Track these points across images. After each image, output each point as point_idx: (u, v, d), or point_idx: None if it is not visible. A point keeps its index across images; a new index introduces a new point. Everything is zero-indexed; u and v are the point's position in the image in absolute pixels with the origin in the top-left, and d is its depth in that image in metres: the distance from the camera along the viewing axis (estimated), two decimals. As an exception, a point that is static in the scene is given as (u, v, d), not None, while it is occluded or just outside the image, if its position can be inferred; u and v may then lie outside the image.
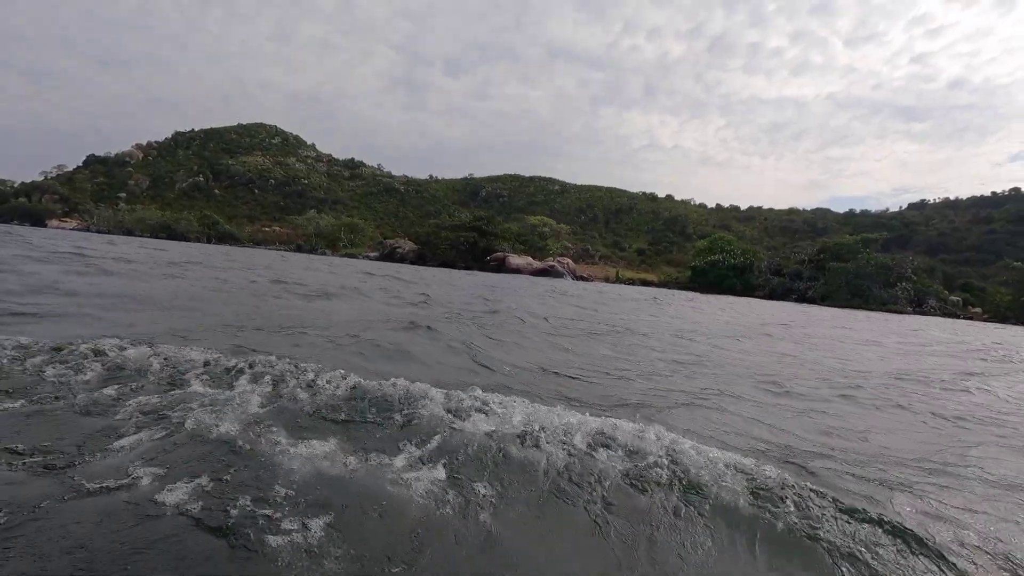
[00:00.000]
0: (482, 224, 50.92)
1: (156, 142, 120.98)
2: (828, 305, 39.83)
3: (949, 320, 34.83)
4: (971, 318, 40.41)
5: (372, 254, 51.79)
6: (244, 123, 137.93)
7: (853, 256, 47.03)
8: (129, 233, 68.13)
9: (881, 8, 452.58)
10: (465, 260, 47.11)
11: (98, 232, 66.80)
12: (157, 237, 67.04)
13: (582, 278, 45.96)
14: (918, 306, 41.42)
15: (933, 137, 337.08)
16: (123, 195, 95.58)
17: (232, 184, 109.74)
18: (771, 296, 46.77)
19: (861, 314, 31.27)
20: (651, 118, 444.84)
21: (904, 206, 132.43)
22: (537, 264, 46.15)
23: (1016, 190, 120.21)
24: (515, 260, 45.90)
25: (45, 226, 72.19)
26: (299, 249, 65.02)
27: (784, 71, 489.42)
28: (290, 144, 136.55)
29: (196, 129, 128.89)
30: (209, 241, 69.54)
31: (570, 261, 48.41)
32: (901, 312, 37.68)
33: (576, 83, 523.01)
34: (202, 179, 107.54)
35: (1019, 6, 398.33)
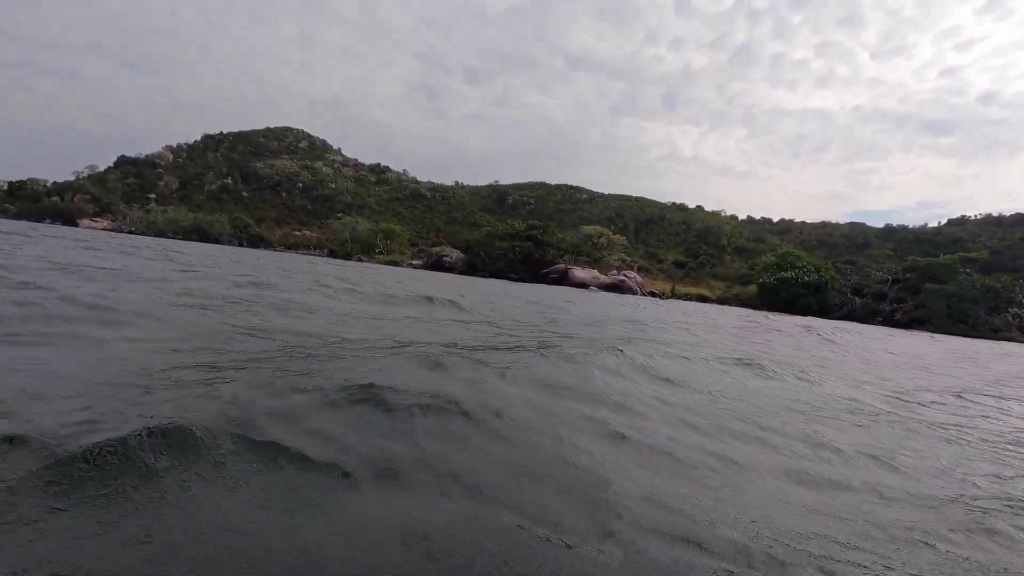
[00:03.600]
0: (537, 233, 48.23)
1: (186, 144, 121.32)
2: (927, 330, 36.68)
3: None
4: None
5: (416, 262, 49.96)
6: (272, 127, 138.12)
7: (951, 277, 43.69)
8: (161, 234, 67.36)
9: (910, 21, 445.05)
10: (517, 271, 44.78)
11: (130, 233, 66.16)
12: (189, 239, 66.22)
13: (653, 294, 43.25)
14: None
15: (961, 152, 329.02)
16: (153, 196, 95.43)
17: (260, 187, 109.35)
18: (849, 318, 43.29)
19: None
20: (671, 128, 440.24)
21: (943, 221, 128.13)
22: (605, 279, 43.13)
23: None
24: (579, 273, 42.99)
25: (77, 225, 71.86)
26: (332, 254, 63.64)
27: (808, 83, 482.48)
28: (316, 148, 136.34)
29: (225, 132, 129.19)
30: (241, 244, 68.54)
31: (636, 275, 45.68)
32: (1017, 341, 34.31)
33: (596, 93, 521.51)
34: (231, 181, 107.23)
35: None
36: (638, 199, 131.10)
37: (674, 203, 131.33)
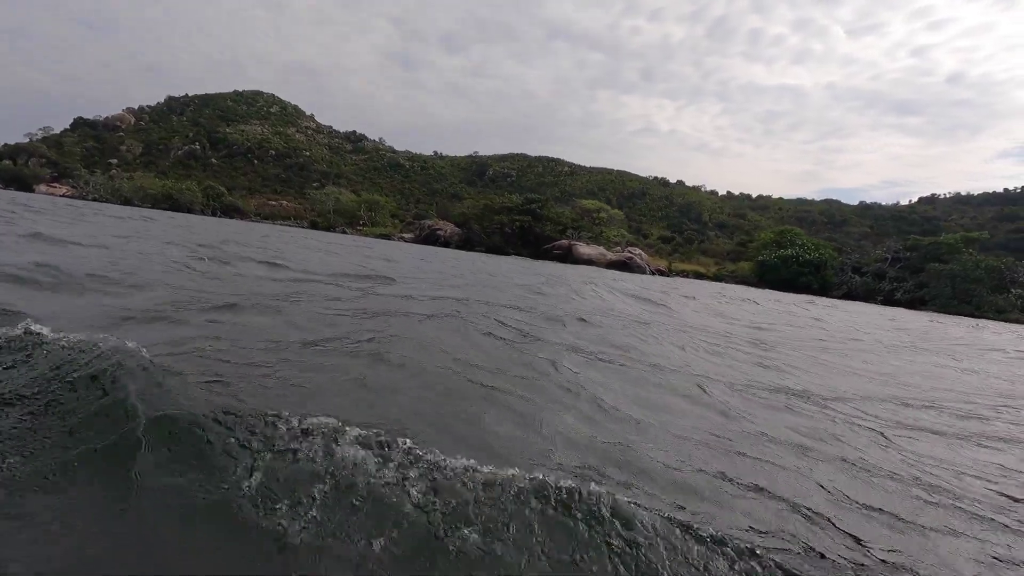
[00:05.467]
0: (536, 207, 46.65)
1: (148, 107, 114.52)
2: (931, 310, 36.91)
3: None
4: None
5: (407, 235, 47.94)
6: (241, 90, 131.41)
7: (954, 256, 43.61)
8: (127, 202, 63.47)
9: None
10: (515, 246, 43.30)
11: (94, 200, 62.10)
12: (158, 208, 62.58)
13: (660, 271, 42.26)
14: None
15: (927, 132, 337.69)
16: (115, 161, 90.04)
17: (230, 154, 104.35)
18: (849, 296, 43.83)
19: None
20: (648, 102, 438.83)
21: (914, 199, 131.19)
22: (611, 256, 41.48)
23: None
24: (585, 250, 41.38)
25: (32, 191, 67.12)
26: (314, 226, 60.99)
27: (784, 59, 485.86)
28: (289, 114, 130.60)
29: (190, 95, 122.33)
30: (214, 214, 65.18)
31: (643, 252, 44.47)
32: (1019, 321, 34.63)
33: (574, 64, 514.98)
34: (198, 147, 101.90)
35: (1019, 3, 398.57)
36: (620, 173, 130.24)
37: (655, 177, 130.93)
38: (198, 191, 67.86)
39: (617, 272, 32.80)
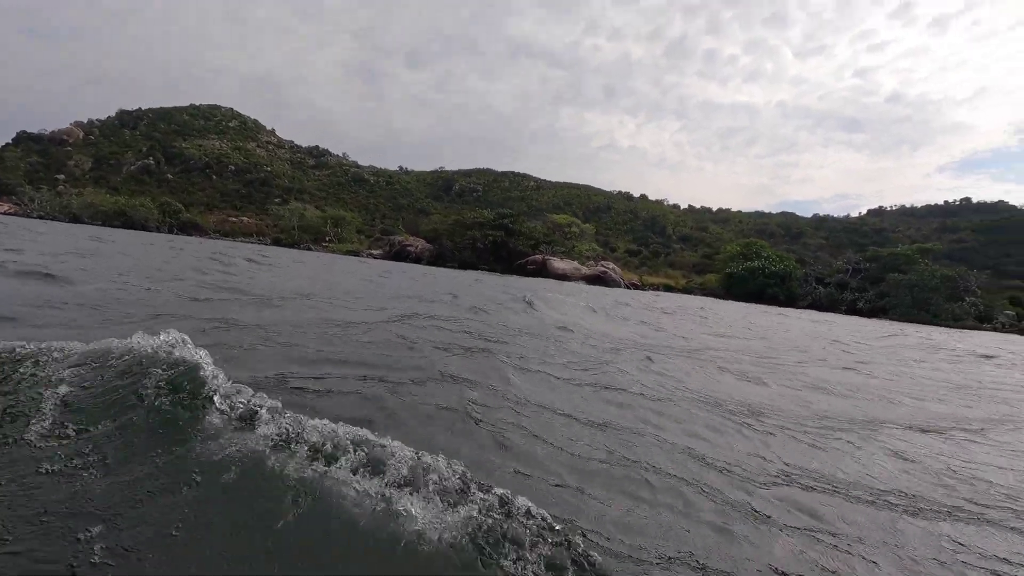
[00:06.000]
0: (508, 222, 46.36)
1: (98, 120, 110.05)
2: (893, 319, 38.16)
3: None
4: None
5: (375, 252, 46.94)
6: (197, 104, 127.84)
7: (911, 267, 45.05)
8: (76, 220, 60.46)
9: (830, 22, 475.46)
10: (488, 262, 43.06)
11: (40, 218, 58.92)
12: (110, 225, 59.79)
13: (634, 285, 42.42)
14: (986, 321, 39.23)
15: (872, 148, 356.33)
16: (62, 177, 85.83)
17: (187, 169, 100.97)
18: (814, 307, 44.91)
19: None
20: (611, 119, 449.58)
21: (863, 212, 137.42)
22: (586, 270, 41.24)
23: (967, 199, 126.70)
24: (559, 265, 40.89)
25: (-29, 209, 63.21)
26: (277, 243, 59.28)
27: (738, 78, 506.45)
28: (249, 128, 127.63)
29: (144, 108, 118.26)
30: (171, 231, 62.69)
31: (615, 266, 44.60)
32: (974, 328, 36.10)
33: (538, 80, 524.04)
34: (153, 162, 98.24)
35: (951, 28, 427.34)
36: (585, 187, 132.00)
37: (620, 192, 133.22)
38: (153, 207, 65.25)
39: (597, 287, 32.84)
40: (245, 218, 76.03)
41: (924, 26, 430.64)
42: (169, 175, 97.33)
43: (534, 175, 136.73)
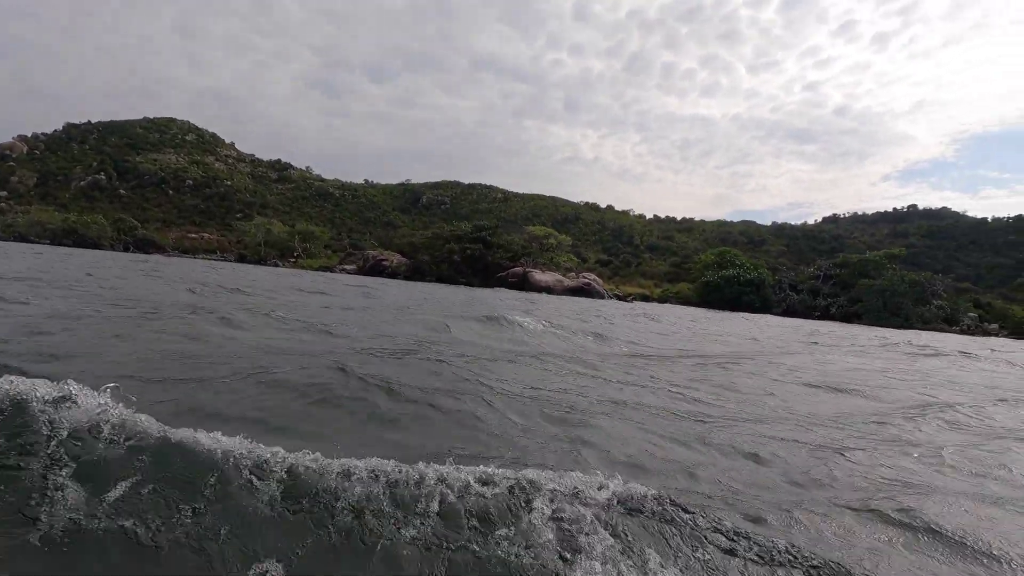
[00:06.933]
0: (486, 235, 45.66)
1: (43, 134, 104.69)
2: (866, 324, 39.24)
3: (1013, 340, 31.62)
4: (988, 335, 37.74)
5: (348, 267, 45.55)
6: (152, 117, 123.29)
7: (880, 272, 46.24)
8: (22, 239, 56.92)
9: (779, 39, 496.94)
10: (466, 276, 42.17)
11: (-20, 238, 55.21)
12: (60, 244, 56.55)
13: (618, 296, 42.23)
14: (953, 324, 40.55)
15: (821, 158, 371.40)
16: (4, 193, 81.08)
17: (141, 184, 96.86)
18: (789, 313, 45.58)
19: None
20: (573, 132, 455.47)
21: (819, 219, 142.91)
22: (569, 282, 40.57)
23: (913, 206, 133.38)
24: (541, 276, 40.25)
25: (-98, 230, 58.79)
26: (242, 259, 57.07)
27: (695, 92, 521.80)
28: (207, 142, 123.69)
29: (93, 122, 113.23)
30: (127, 249, 59.71)
31: (597, 277, 44.36)
32: (943, 331, 37.29)
33: (501, 95, 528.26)
34: (104, 177, 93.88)
35: (891, 45, 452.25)
36: (552, 198, 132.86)
37: (587, 202, 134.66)
38: (107, 224, 62.11)
39: (582, 299, 32.46)
40: (206, 234, 73.27)
41: (866, 43, 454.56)
42: (122, 191, 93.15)
43: (501, 187, 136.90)
